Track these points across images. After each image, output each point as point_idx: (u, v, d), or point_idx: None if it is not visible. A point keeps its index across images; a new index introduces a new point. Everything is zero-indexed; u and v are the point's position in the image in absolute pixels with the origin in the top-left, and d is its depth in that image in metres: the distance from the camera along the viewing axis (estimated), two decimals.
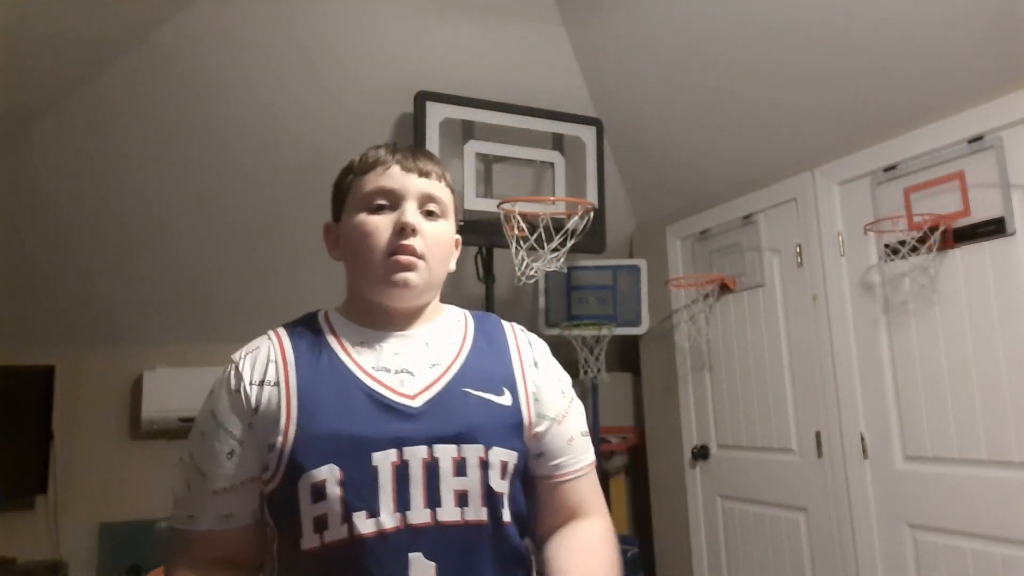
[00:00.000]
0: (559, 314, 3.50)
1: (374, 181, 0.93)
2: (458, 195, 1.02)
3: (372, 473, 0.82)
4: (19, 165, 2.55)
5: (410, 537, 0.81)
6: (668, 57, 2.71)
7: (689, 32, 2.56)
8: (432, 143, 2.74)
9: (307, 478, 0.82)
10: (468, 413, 0.87)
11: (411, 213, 0.90)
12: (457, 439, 0.85)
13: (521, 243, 2.59)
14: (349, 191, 0.96)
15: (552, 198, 2.56)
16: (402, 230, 0.89)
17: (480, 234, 2.80)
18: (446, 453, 0.85)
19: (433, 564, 0.81)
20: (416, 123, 2.74)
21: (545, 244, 2.58)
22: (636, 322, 3.47)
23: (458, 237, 1.01)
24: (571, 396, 1.00)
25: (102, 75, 2.40)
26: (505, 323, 1.02)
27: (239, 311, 3.34)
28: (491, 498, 0.85)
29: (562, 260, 2.63)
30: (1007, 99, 1.98)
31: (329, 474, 0.81)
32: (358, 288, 0.95)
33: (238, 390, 0.87)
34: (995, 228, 2.01)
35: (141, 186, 2.74)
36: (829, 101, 2.40)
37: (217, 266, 3.11)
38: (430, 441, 0.84)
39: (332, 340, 0.92)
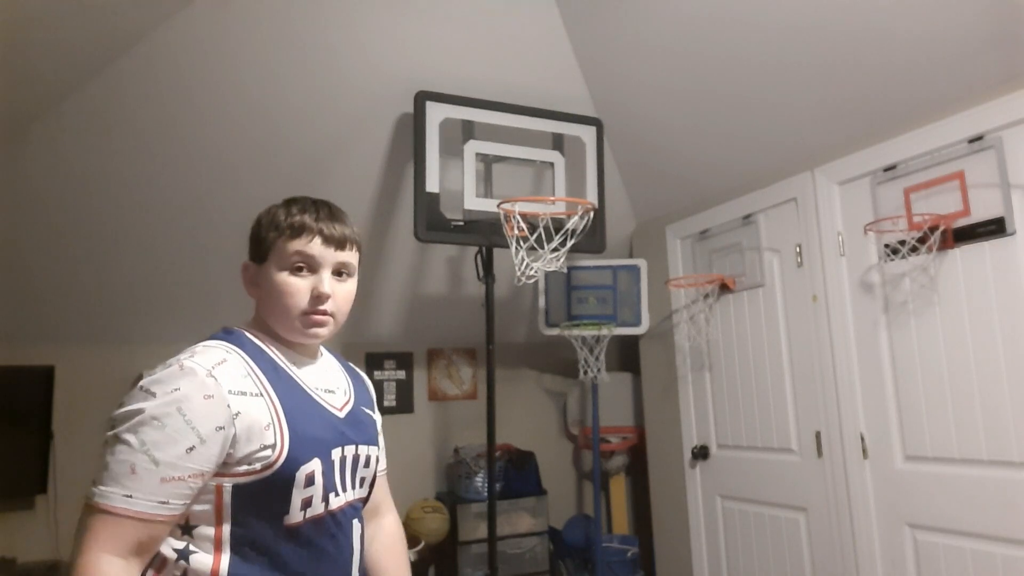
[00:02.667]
0: (559, 314, 3.50)
1: (297, 247, 1.09)
2: (363, 249, 1.23)
3: (332, 465, 1.10)
4: (18, 166, 2.55)
5: (350, 509, 1.14)
6: (668, 57, 2.71)
7: (689, 32, 2.56)
8: (432, 143, 2.75)
9: (303, 470, 1.04)
10: (366, 424, 1.21)
11: (327, 283, 1.10)
12: (366, 441, 1.19)
13: (521, 243, 2.59)
14: (273, 247, 1.11)
15: (552, 198, 2.56)
16: (318, 297, 1.09)
17: (480, 234, 2.81)
18: (363, 452, 1.18)
19: (360, 526, 1.17)
20: (416, 123, 2.75)
21: (545, 244, 2.58)
22: (636, 322, 3.47)
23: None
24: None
25: (100, 76, 2.40)
26: (336, 356, 1.31)
27: (238, 311, 3.34)
28: (370, 487, 1.23)
29: (562, 260, 2.63)
30: (1007, 99, 1.98)
31: (316, 466, 1.06)
32: (273, 325, 1.13)
33: (216, 396, 0.99)
34: (995, 228, 2.01)
35: (141, 187, 2.74)
36: (829, 101, 2.40)
37: (217, 266, 3.11)
38: (354, 442, 1.16)
39: (279, 360, 1.12)
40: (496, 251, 2.87)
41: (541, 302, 3.54)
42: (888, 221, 2.25)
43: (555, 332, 3.48)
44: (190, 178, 2.79)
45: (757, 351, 2.83)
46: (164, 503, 0.95)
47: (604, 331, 3.39)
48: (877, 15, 2.08)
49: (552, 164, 2.99)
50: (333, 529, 1.09)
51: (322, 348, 1.25)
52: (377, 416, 1.29)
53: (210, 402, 0.98)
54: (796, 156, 2.65)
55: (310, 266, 1.10)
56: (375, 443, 1.22)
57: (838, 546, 2.44)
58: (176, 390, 0.97)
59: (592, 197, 3.02)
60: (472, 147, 2.84)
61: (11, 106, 2.32)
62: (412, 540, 3.16)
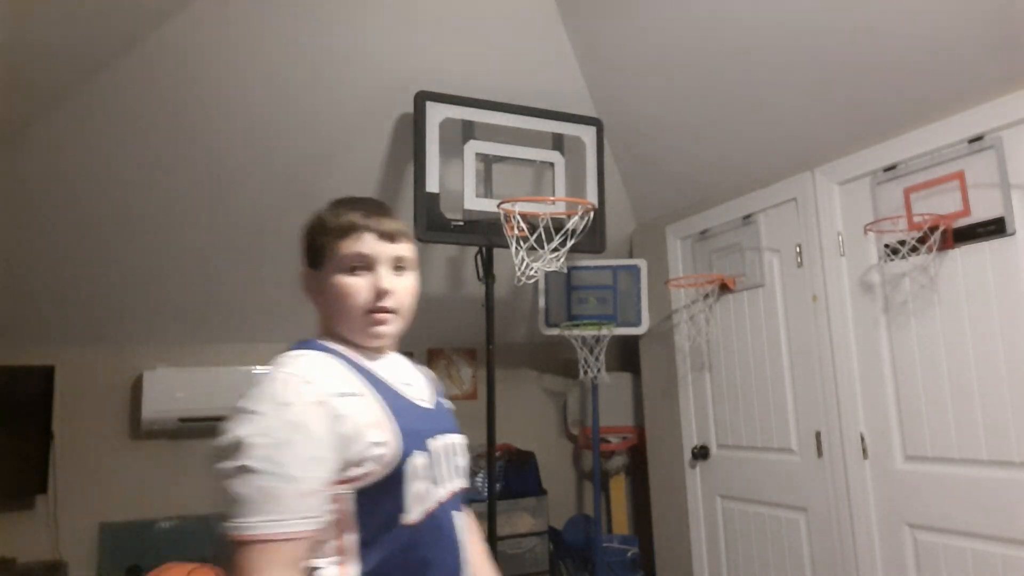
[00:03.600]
0: (559, 314, 3.50)
1: (350, 247, 1.07)
2: (415, 246, 1.20)
3: (431, 456, 1.07)
4: (18, 167, 2.55)
5: (453, 499, 1.12)
6: (668, 57, 2.71)
7: (689, 32, 2.56)
8: (432, 143, 2.75)
9: (412, 462, 1.03)
10: (449, 414, 1.21)
11: (386, 279, 1.08)
12: (454, 430, 1.18)
13: (521, 243, 2.59)
14: (326, 251, 1.09)
15: (552, 198, 2.56)
16: (379, 293, 1.07)
17: (480, 234, 2.80)
18: (458, 440, 1.17)
19: (461, 516, 1.14)
20: (416, 123, 2.74)
21: (545, 244, 2.58)
22: (636, 322, 3.47)
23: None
24: None
25: (101, 77, 2.40)
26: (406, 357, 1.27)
27: (238, 311, 3.34)
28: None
29: (562, 260, 2.63)
30: (1007, 99, 1.98)
31: (422, 458, 1.05)
32: (340, 330, 1.11)
33: (322, 402, 0.97)
34: (995, 228, 2.01)
35: (141, 187, 2.74)
36: (829, 101, 2.40)
37: (217, 267, 3.11)
38: (443, 432, 1.13)
39: (357, 360, 1.09)
40: (496, 251, 2.87)
41: (541, 302, 3.54)
42: (888, 221, 2.25)
43: (555, 332, 3.48)
44: (190, 179, 2.79)
45: (757, 351, 2.83)
46: (309, 517, 0.93)
47: (604, 331, 3.39)
48: (877, 15, 2.08)
49: (552, 164, 2.99)
50: (443, 521, 1.08)
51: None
52: (450, 406, 1.27)
53: (318, 408, 0.96)
54: (796, 156, 2.65)
55: (366, 264, 1.08)
56: (459, 432, 1.21)
57: (838, 546, 2.44)
58: (283, 404, 0.95)
59: (592, 197, 3.02)
60: (472, 147, 2.84)
61: (11, 106, 2.32)
62: None
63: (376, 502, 1.00)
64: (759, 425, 2.80)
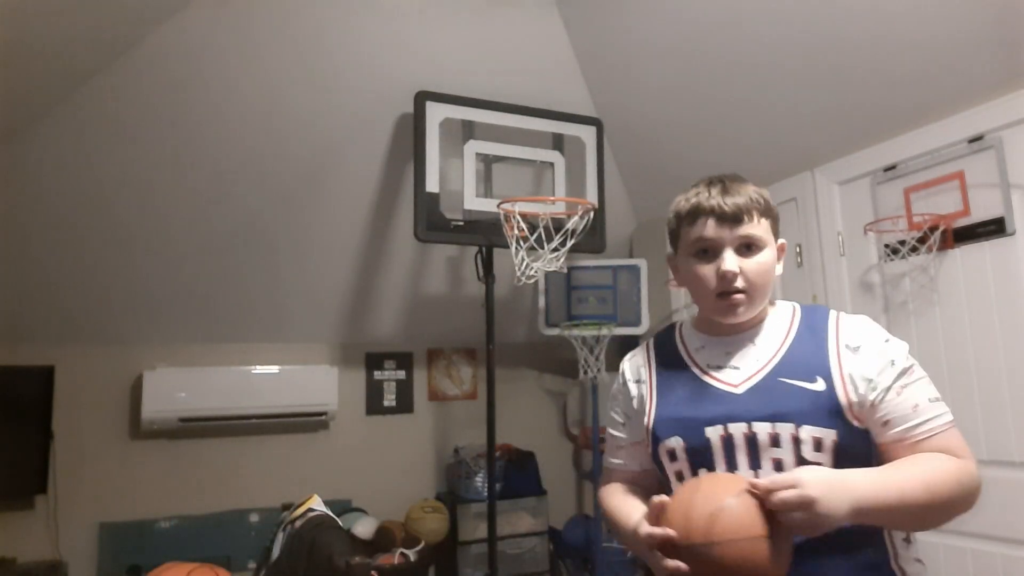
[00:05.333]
0: (559, 314, 3.50)
1: (696, 232, 1.10)
2: (774, 213, 1.15)
3: (706, 442, 1.08)
4: (19, 166, 2.55)
5: None
6: (668, 57, 2.71)
7: (689, 32, 2.56)
8: (432, 143, 2.75)
9: (663, 446, 1.13)
10: (781, 398, 1.06)
11: (729, 262, 1.08)
12: (772, 418, 1.05)
13: (521, 243, 2.59)
14: (679, 236, 1.15)
15: (552, 198, 2.56)
16: (723, 277, 1.08)
17: (480, 234, 2.80)
18: (763, 429, 1.05)
19: None
20: (416, 123, 2.75)
21: (545, 244, 2.58)
22: (636, 322, 3.47)
23: (782, 241, 1.16)
24: (904, 366, 1.06)
25: (101, 78, 2.40)
26: (833, 313, 1.15)
27: (239, 311, 3.34)
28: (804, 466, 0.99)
29: (562, 260, 2.63)
30: (1007, 99, 1.98)
31: (676, 443, 1.12)
32: (701, 310, 1.19)
33: (624, 384, 1.26)
34: (995, 228, 2.01)
35: (141, 187, 2.74)
36: (829, 101, 2.40)
37: (217, 267, 3.11)
38: (749, 419, 1.06)
39: (679, 346, 1.21)
40: (496, 251, 2.87)
41: (541, 302, 3.54)
42: (888, 221, 2.25)
43: (555, 332, 3.48)
44: (190, 179, 2.79)
45: None
46: (624, 462, 1.26)
47: (604, 331, 3.39)
48: (877, 15, 2.08)
49: (552, 164, 2.99)
50: None
51: (779, 307, 1.18)
52: (828, 381, 1.05)
53: (621, 390, 1.26)
54: (796, 156, 2.65)
55: (712, 249, 1.09)
56: (803, 420, 1.03)
57: None
58: (616, 383, 1.29)
59: (592, 197, 3.02)
60: (472, 147, 2.84)
61: (10, 108, 2.32)
62: (412, 540, 3.16)
63: (659, 471, 1.20)
64: None
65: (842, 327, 1.11)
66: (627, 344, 4.04)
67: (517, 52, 2.90)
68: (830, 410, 1.04)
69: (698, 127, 2.89)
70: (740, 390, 1.09)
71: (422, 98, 2.76)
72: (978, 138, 2.05)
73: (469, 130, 2.85)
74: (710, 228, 1.08)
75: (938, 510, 0.98)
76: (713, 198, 1.10)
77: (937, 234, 2.12)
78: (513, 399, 4.08)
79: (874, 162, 2.35)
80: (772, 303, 1.18)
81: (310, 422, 3.56)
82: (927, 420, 1.03)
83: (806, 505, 0.87)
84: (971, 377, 2.06)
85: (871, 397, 1.03)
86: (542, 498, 3.67)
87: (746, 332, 1.15)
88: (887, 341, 1.09)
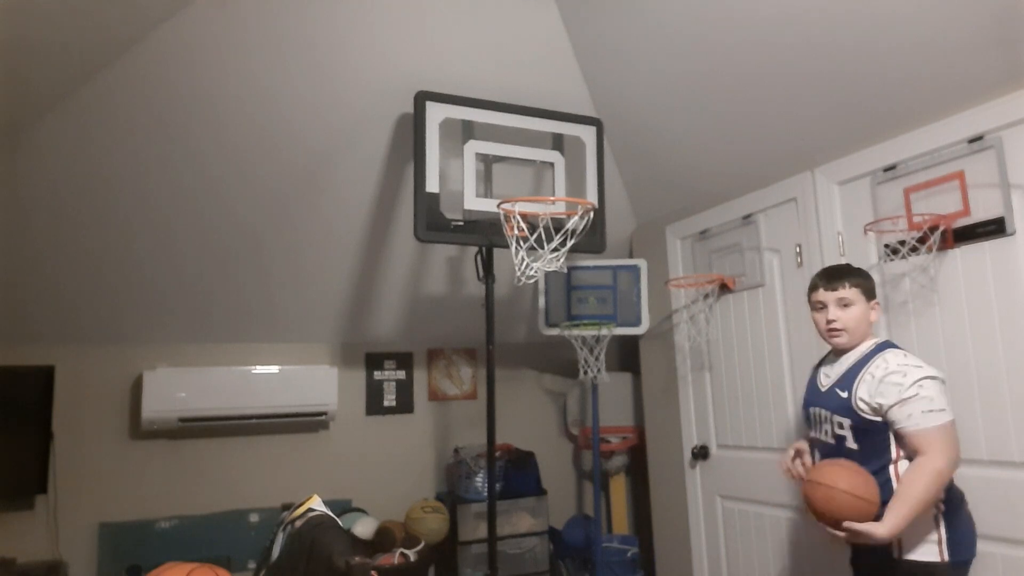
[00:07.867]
0: (559, 314, 3.50)
1: (813, 297, 1.97)
2: (868, 284, 1.94)
3: (808, 415, 2.03)
4: (20, 165, 2.55)
5: (820, 444, 1.96)
6: (668, 57, 2.71)
7: (689, 32, 2.56)
8: (432, 143, 2.75)
9: (805, 415, 2.06)
10: (832, 398, 1.91)
11: (830, 312, 1.91)
12: (827, 408, 1.92)
13: (521, 243, 2.59)
14: (810, 297, 1.99)
15: (552, 198, 2.56)
16: (827, 323, 1.93)
17: (480, 234, 2.80)
18: (824, 413, 1.93)
19: (819, 454, 1.97)
20: (416, 123, 2.74)
21: (545, 244, 2.58)
22: (636, 322, 3.47)
23: (875, 302, 1.94)
24: (908, 395, 1.73)
25: (104, 74, 2.40)
26: (882, 351, 1.85)
27: (239, 311, 3.34)
28: (836, 435, 1.89)
29: (562, 260, 2.63)
30: (1007, 99, 1.98)
31: (806, 414, 2.05)
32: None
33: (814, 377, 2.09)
34: (995, 228, 2.01)
35: (142, 187, 2.75)
36: (829, 101, 2.40)
37: (217, 267, 3.11)
38: (821, 407, 1.95)
39: (823, 359, 2.08)
40: (496, 251, 2.87)
41: (541, 302, 3.54)
42: (888, 221, 2.25)
43: (555, 332, 3.48)
44: (189, 180, 2.79)
45: (757, 351, 2.83)
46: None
47: (604, 331, 3.39)
48: (877, 15, 2.08)
49: (552, 164, 2.99)
50: (819, 449, 1.97)
51: (865, 344, 1.90)
52: (849, 394, 1.84)
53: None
54: (796, 156, 2.65)
55: (821, 305, 1.94)
56: (835, 411, 1.87)
57: (838, 546, 2.43)
58: None
59: (592, 197, 3.02)
60: (472, 147, 2.84)
61: (10, 108, 2.32)
62: (412, 540, 3.16)
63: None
64: (759, 425, 2.80)
65: (875, 360, 1.83)
66: (627, 344, 4.04)
67: (517, 52, 2.90)
68: (849, 408, 1.84)
69: (698, 127, 2.89)
70: (824, 388, 1.96)
71: (422, 98, 2.76)
72: (978, 138, 2.05)
73: (469, 130, 2.85)
74: (819, 294, 1.94)
75: (933, 493, 1.70)
76: (822, 278, 1.94)
77: (937, 234, 2.12)
78: (513, 399, 4.08)
79: (874, 162, 2.36)
80: (868, 337, 1.91)
81: (310, 422, 3.56)
82: (911, 422, 1.73)
83: (864, 539, 1.70)
84: (971, 377, 2.06)
85: (884, 408, 1.77)
86: (542, 498, 3.67)
87: (842, 355, 1.94)
88: (904, 375, 1.75)
